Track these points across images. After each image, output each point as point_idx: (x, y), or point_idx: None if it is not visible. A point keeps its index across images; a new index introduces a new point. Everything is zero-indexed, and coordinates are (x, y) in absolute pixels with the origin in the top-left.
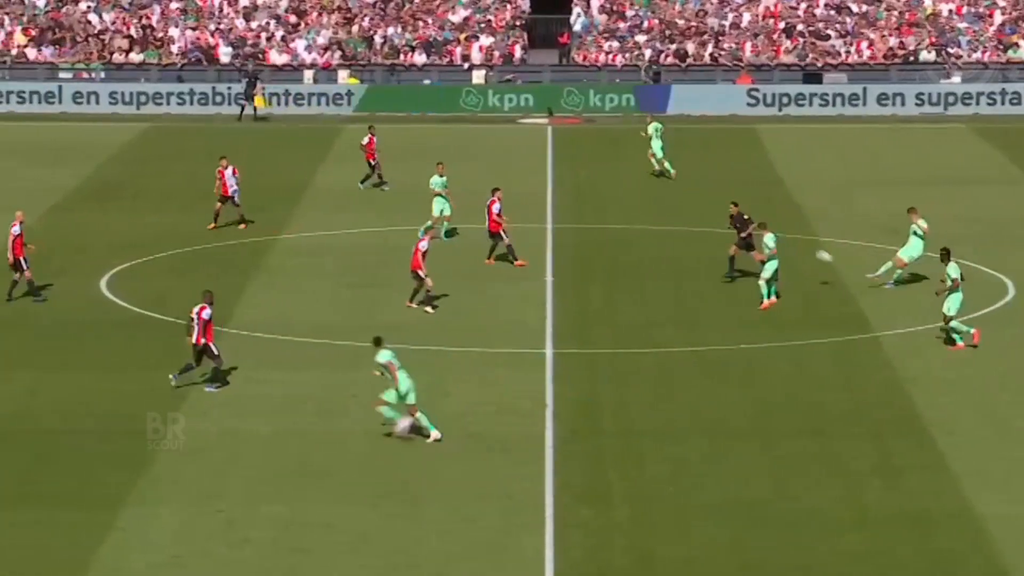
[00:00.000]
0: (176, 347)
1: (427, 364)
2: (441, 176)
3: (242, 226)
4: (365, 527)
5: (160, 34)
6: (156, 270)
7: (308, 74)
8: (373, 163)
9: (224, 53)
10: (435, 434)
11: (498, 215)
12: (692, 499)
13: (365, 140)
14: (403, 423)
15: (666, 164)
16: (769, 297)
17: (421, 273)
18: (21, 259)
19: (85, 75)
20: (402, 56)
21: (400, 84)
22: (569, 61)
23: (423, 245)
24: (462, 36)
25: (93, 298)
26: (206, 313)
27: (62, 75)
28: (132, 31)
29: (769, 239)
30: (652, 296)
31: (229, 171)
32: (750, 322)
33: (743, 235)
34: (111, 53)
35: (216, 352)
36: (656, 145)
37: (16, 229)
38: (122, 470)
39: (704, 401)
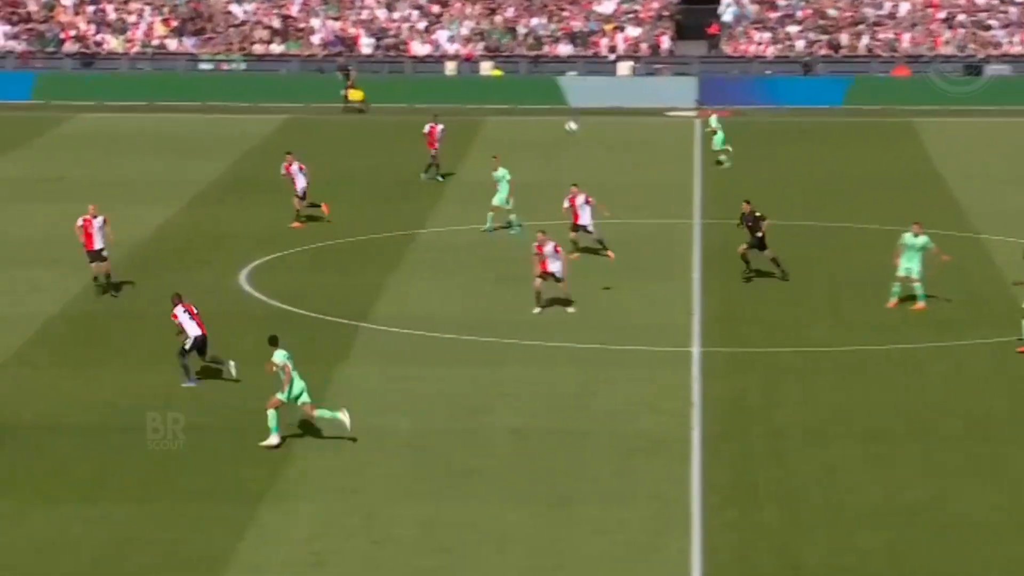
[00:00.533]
0: (315, 341)
1: (574, 362)
2: (497, 170)
3: (296, 224)
4: (509, 527)
5: (301, 25)
6: (296, 264)
7: (450, 65)
8: (433, 152)
9: (365, 44)
10: (345, 419)
11: (567, 209)
12: (845, 503)
13: (426, 129)
14: (272, 439)
15: (722, 156)
16: (923, 299)
17: (550, 273)
18: (93, 251)
19: (225, 66)
20: (546, 47)
21: (543, 76)
22: (718, 52)
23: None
24: (608, 27)
25: (232, 292)
26: (194, 308)
27: (202, 66)
28: (273, 22)
29: (925, 240)
30: (804, 294)
31: (295, 167)
32: (907, 321)
33: (758, 234)
34: (252, 44)
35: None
36: (719, 138)
37: (79, 221)
38: (262, 465)
39: (858, 402)
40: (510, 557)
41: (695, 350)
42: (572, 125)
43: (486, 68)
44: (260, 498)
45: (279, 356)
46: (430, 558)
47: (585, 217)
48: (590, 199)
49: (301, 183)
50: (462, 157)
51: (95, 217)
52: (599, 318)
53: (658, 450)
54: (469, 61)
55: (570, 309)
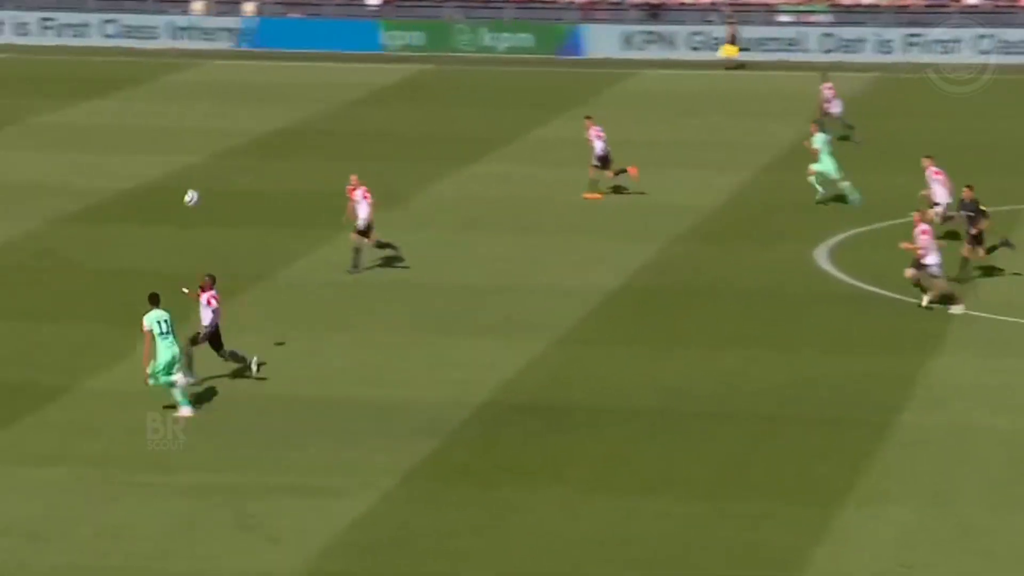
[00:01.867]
0: (903, 328)
1: None
2: (816, 133)
3: (588, 195)
4: None
5: None
6: (888, 239)
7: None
8: (830, 116)
9: None
10: (185, 411)
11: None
12: None
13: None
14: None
15: None
16: None
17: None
18: (356, 223)
19: (810, 18)
20: None
21: None
22: None
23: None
24: None
25: (809, 269)
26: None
27: (781, 18)
28: None
29: None
30: None
31: (593, 132)
32: None
33: (973, 231)
34: None
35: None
36: None
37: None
38: (843, 462)
39: None
40: None
41: None
42: (191, 196)
43: None
44: (841, 499)
45: (146, 319)
46: None
47: (939, 195)
48: (938, 172)
49: (598, 149)
50: None
51: (355, 188)
52: None
53: None
54: None
55: (953, 309)
